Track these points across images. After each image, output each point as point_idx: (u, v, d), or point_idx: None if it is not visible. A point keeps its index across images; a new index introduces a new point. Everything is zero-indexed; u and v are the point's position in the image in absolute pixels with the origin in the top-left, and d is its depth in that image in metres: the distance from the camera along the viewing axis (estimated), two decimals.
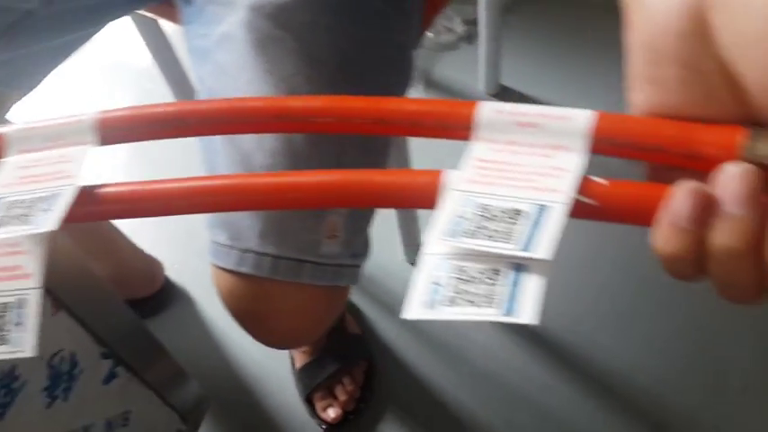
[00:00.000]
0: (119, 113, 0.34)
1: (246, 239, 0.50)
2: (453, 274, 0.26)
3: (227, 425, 0.94)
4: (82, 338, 0.58)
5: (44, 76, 0.65)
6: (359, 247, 0.54)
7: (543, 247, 0.25)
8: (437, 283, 0.26)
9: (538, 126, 0.28)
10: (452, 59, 1.29)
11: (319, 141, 0.50)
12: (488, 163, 0.28)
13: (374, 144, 0.54)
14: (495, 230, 0.26)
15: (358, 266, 0.55)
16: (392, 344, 0.97)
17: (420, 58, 1.29)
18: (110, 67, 1.41)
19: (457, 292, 0.25)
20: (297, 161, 0.50)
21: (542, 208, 0.26)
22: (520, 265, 0.25)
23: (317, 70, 0.51)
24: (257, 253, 0.49)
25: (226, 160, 0.52)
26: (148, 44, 0.90)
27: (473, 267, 0.26)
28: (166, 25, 0.85)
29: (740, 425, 0.86)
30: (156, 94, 1.34)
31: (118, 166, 1.22)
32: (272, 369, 0.97)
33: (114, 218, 0.34)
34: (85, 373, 0.59)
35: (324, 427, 0.91)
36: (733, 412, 0.87)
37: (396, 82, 0.56)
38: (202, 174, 0.58)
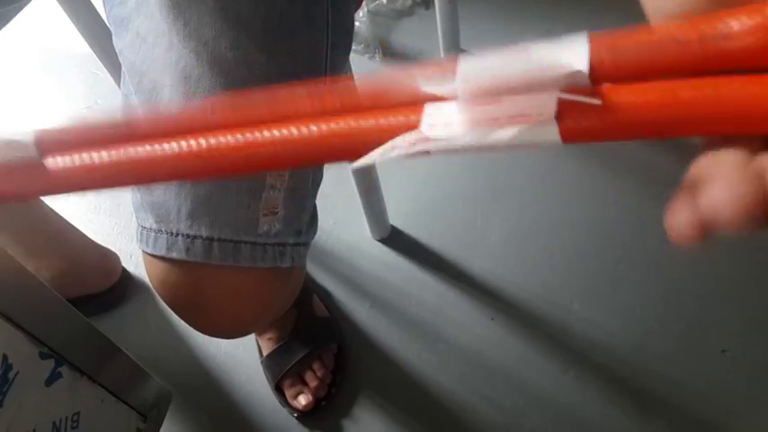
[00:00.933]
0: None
1: (175, 221, 0.45)
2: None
3: (193, 419, 0.90)
4: (14, 339, 0.54)
5: None
6: (303, 223, 0.50)
7: None
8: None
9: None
10: (409, 25, 1.25)
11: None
12: None
13: None
14: None
15: (303, 245, 0.50)
16: (363, 325, 0.93)
17: (376, 24, 1.24)
18: (51, 53, 1.34)
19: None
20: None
21: None
22: None
23: (242, 32, 0.46)
24: (187, 236, 0.45)
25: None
26: (79, 26, 0.84)
27: None
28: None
29: (722, 388, 0.84)
30: (106, 80, 1.28)
31: None
32: (239, 359, 0.93)
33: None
34: (22, 376, 0.55)
35: (296, 415, 0.87)
36: (716, 376, 0.85)
37: (334, 41, 0.52)
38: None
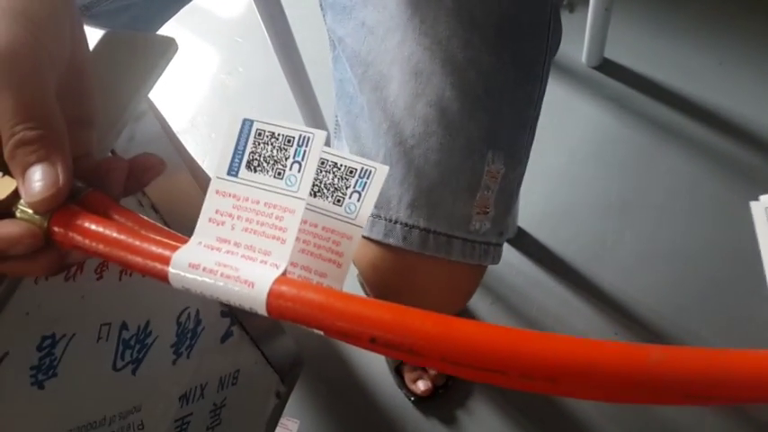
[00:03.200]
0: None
1: (395, 209, 0.47)
2: None
3: (315, 390, 0.93)
4: None
5: (163, 23, 0.64)
6: (506, 225, 0.51)
7: None
8: None
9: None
10: None
11: (474, 109, 0.48)
12: None
13: (527, 113, 0.51)
14: None
15: (501, 246, 0.52)
16: (484, 320, 0.94)
17: None
18: (188, 12, 1.39)
19: None
20: (450, 131, 0.47)
21: None
22: None
23: (475, 33, 0.47)
24: (406, 225, 0.47)
25: (370, 124, 0.49)
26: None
27: None
28: None
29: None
30: (244, 50, 1.33)
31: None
32: None
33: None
34: (206, 331, 0.58)
35: (412, 399, 0.89)
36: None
37: (551, 45, 0.53)
38: (338, 131, 0.55)
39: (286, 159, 0.26)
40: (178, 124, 1.21)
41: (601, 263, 0.97)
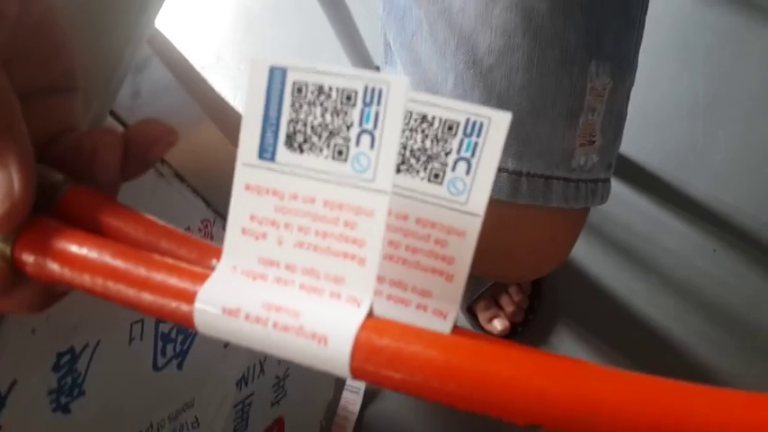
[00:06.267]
0: None
1: None
2: None
3: None
4: None
5: None
6: (615, 153, 0.41)
7: None
8: None
9: None
10: None
11: (568, 6, 0.36)
12: None
13: (634, 5, 0.39)
14: None
15: (610, 181, 0.41)
16: None
17: None
18: None
19: None
20: (540, 40, 0.36)
21: None
22: None
23: None
24: None
25: (433, 44, 0.39)
26: None
27: None
28: None
29: None
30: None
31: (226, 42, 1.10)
32: None
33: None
34: None
35: None
36: None
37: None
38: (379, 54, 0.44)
39: (348, 128, 0.16)
40: (202, 60, 1.11)
41: (691, 171, 0.85)
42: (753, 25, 0.91)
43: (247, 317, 0.16)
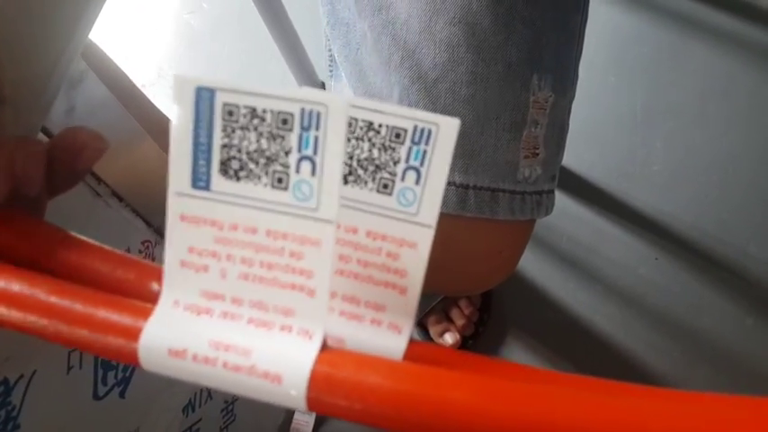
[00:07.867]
0: None
1: None
2: None
3: None
4: None
5: None
6: (558, 166, 0.41)
7: None
8: None
9: None
10: None
11: (511, 21, 0.37)
12: None
13: (574, 18, 0.40)
14: None
15: (554, 192, 0.42)
16: None
17: None
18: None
19: None
20: (483, 54, 0.36)
21: None
22: None
23: None
24: None
25: (377, 57, 0.39)
26: None
27: None
28: None
29: None
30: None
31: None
32: None
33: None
34: None
35: None
36: None
37: None
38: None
39: (287, 154, 0.16)
40: (143, 76, 1.08)
41: (632, 182, 0.87)
42: (688, 39, 0.94)
43: (195, 357, 0.15)
